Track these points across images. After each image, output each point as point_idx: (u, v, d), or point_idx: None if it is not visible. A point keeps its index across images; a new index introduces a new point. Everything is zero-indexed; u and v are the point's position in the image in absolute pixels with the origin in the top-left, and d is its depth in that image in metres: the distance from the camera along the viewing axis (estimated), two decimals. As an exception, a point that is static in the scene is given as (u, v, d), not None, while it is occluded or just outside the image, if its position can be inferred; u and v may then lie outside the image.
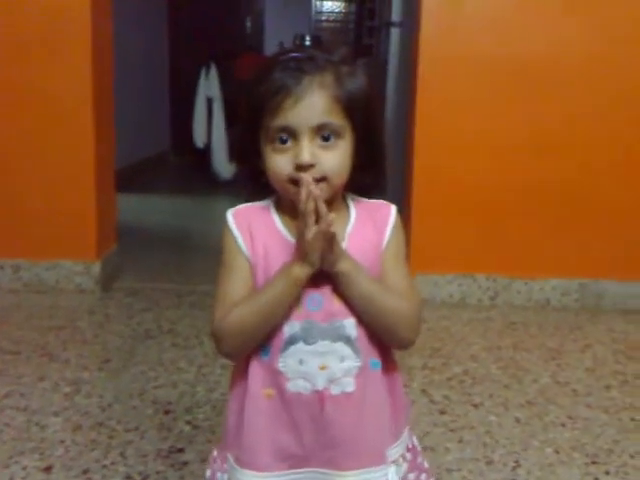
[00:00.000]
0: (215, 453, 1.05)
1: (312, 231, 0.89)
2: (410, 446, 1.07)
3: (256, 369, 0.97)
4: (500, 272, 2.66)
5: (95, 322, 2.39)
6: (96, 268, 2.65)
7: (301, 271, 0.92)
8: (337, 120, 0.93)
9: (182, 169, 6.15)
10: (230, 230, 0.99)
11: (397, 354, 1.04)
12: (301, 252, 0.92)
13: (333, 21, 7.17)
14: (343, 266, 0.93)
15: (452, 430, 1.73)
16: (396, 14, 3.59)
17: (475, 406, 1.87)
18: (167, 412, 1.77)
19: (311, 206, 0.89)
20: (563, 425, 1.78)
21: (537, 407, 1.87)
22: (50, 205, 2.63)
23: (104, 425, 1.70)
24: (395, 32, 3.60)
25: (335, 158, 0.94)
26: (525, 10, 2.53)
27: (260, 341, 0.96)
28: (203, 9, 6.29)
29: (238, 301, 0.95)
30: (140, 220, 3.90)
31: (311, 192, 0.90)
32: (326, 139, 0.93)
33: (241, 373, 1.00)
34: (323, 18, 7.16)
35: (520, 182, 2.61)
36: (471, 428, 1.74)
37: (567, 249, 2.64)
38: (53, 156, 2.60)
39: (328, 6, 7.13)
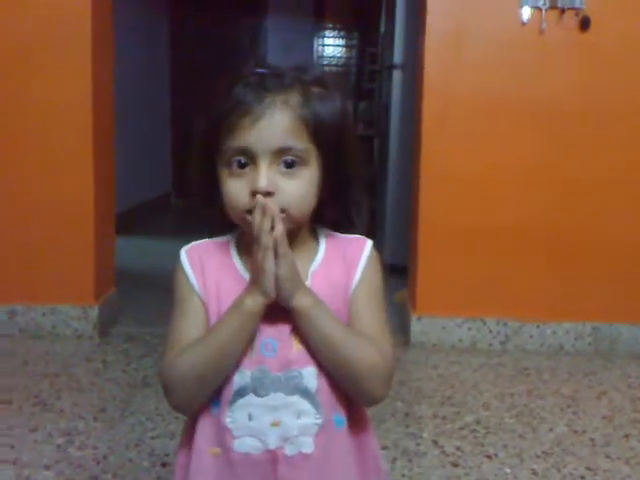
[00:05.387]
0: None
1: (262, 250, 0.79)
2: None
3: (205, 424, 0.86)
4: (511, 315, 2.58)
5: (92, 369, 2.30)
6: (94, 312, 2.57)
7: (254, 302, 0.81)
8: (301, 144, 0.83)
9: (184, 211, 6.11)
10: (182, 267, 0.90)
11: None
12: (254, 281, 0.82)
13: (335, 65, 7.22)
14: (302, 301, 0.82)
15: (466, 484, 1.64)
16: (398, 56, 3.58)
17: (489, 457, 1.77)
18: (164, 464, 1.67)
19: (267, 224, 0.79)
20: (582, 477, 1.69)
21: (554, 458, 1.78)
22: (47, 248, 2.56)
23: (98, 479, 1.60)
24: (397, 74, 3.59)
25: (297, 187, 0.83)
26: (528, 50, 2.51)
27: (212, 391, 0.85)
28: (205, 51, 6.34)
29: (188, 345, 0.85)
30: (140, 263, 3.83)
31: (267, 208, 0.80)
32: (289, 165, 0.83)
33: (190, 428, 0.90)
34: (325, 63, 7.21)
35: (530, 224, 2.56)
36: (486, 481, 1.65)
37: (579, 292, 2.57)
38: (52, 199, 2.54)
39: (329, 51, 7.19)
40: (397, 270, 3.11)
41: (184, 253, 0.91)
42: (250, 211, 0.82)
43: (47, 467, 1.65)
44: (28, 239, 2.57)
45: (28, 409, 1.97)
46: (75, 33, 2.48)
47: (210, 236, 0.94)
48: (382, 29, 4.20)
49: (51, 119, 2.52)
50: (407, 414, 1.98)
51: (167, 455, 1.72)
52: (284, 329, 0.85)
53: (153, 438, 1.81)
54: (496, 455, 1.79)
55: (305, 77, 0.87)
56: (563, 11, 2.47)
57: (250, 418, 0.84)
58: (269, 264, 0.80)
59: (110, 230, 2.81)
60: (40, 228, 2.56)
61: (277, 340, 0.85)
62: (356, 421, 0.90)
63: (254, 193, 0.82)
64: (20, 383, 2.15)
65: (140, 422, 1.90)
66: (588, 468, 1.73)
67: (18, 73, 2.51)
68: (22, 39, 2.49)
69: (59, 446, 1.76)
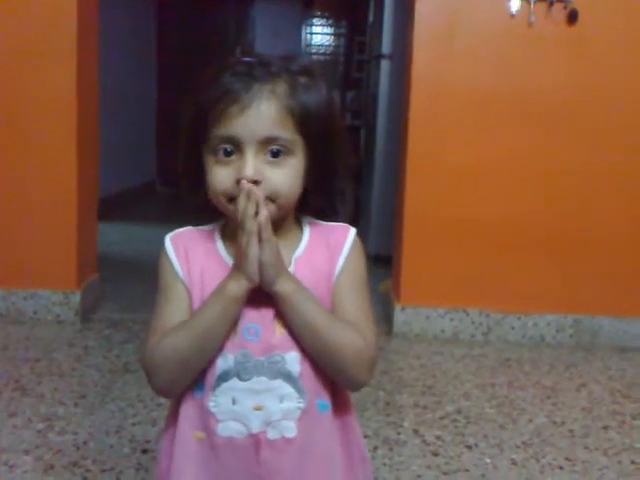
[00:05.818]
0: None
1: (246, 235, 0.80)
2: None
3: (188, 408, 0.87)
4: (493, 307, 2.59)
5: (73, 355, 2.29)
6: (76, 298, 2.56)
7: (237, 287, 0.82)
8: (288, 134, 0.83)
9: (168, 199, 6.08)
10: (166, 254, 0.90)
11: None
12: (238, 265, 0.82)
13: (323, 54, 7.19)
14: (284, 287, 0.82)
15: (445, 473, 1.64)
16: (386, 46, 3.57)
17: (469, 447, 1.78)
18: (145, 451, 1.67)
19: (252, 210, 0.80)
20: (561, 468, 1.70)
21: (533, 448, 1.79)
22: (30, 232, 2.54)
23: (78, 465, 1.59)
24: (385, 64, 3.59)
25: (283, 176, 0.83)
26: (516, 42, 2.51)
27: (195, 375, 0.85)
28: (192, 39, 6.30)
29: (171, 329, 0.86)
30: (123, 249, 3.81)
31: (251, 194, 0.80)
32: (275, 154, 0.83)
33: (174, 412, 0.90)
34: (313, 51, 7.18)
35: (513, 216, 2.57)
36: (465, 471, 1.66)
37: (561, 284, 2.59)
38: (34, 183, 2.52)
39: (318, 39, 7.16)
40: (382, 260, 3.11)
41: (168, 240, 0.91)
42: (234, 199, 0.83)
43: (26, 452, 1.64)
44: (10, 223, 2.54)
45: (8, 394, 1.95)
46: (61, 26, 2.45)
47: (195, 223, 0.94)
48: (371, 18, 4.19)
49: (35, 105, 2.48)
50: (388, 403, 1.99)
51: (148, 442, 1.71)
52: (267, 314, 0.85)
53: (134, 424, 1.80)
54: (476, 445, 1.80)
55: (292, 67, 0.87)
56: (552, 4, 2.47)
57: (234, 402, 0.84)
58: (253, 249, 0.80)
59: (93, 216, 2.79)
60: (22, 213, 2.54)
61: (260, 325, 0.85)
62: (340, 406, 0.90)
63: (239, 181, 0.82)
64: (0, 368, 2.13)
65: (121, 408, 1.89)
66: (567, 459, 1.75)
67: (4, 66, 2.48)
68: (6, 36, 2.46)
69: (39, 431, 1.75)
